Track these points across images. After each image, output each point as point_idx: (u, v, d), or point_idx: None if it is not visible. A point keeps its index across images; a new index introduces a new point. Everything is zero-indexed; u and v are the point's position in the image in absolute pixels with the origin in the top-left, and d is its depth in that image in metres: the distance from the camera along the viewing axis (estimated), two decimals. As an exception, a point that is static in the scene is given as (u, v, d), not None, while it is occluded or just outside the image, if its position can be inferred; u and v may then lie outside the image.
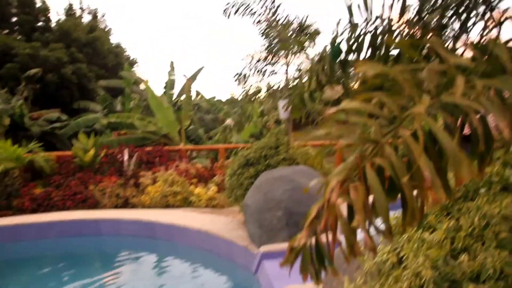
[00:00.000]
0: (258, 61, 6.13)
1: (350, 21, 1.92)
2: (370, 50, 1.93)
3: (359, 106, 1.13)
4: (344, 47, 2.03)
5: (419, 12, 1.71)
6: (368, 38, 1.94)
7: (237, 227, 5.99)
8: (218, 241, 5.59)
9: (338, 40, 2.01)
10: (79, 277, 5.29)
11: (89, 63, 23.80)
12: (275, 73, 6.30)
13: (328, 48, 2.04)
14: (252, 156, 5.94)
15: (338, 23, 2.03)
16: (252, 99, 6.30)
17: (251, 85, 6.24)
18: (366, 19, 1.88)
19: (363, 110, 1.13)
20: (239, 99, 6.37)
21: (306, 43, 5.87)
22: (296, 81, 5.77)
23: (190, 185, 8.68)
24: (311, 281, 3.38)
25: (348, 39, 2.00)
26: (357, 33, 1.96)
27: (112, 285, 5.10)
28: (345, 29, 1.99)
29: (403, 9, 1.77)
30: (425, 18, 1.72)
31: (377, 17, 1.84)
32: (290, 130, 6.22)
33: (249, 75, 6.41)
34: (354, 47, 1.99)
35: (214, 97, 19.45)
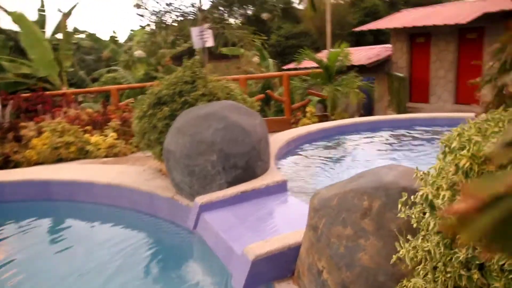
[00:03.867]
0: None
1: None
2: None
3: None
4: None
5: None
6: None
7: (153, 176, 5.20)
8: (135, 195, 4.78)
9: None
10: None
11: None
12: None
13: None
14: (164, 93, 5.06)
15: None
16: (162, 26, 5.30)
17: (160, 10, 5.21)
18: None
19: None
20: (145, 27, 5.30)
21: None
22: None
23: (84, 133, 7.53)
24: (274, 234, 2.81)
25: None
26: None
27: (7, 262, 4.08)
28: None
29: None
30: None
31: None
32: (206, 61, 5.40)
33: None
34: None
35: (95, 35, 17.32)
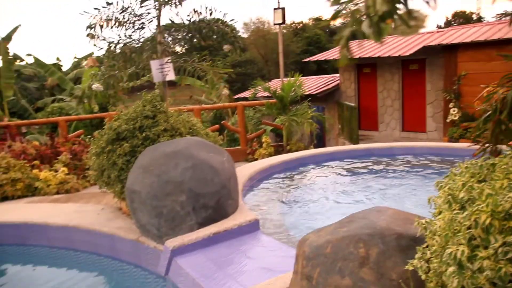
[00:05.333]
0: (124, 10, 4.96)
1: None
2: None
3: None
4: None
5: None
6: None
7: (113, 216, 4.93)
8: (95, 237, 4.49)
9: None
10: None
11: None
12: (143, 27, 5.21)
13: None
14: (124, 129, 4.86)
15: None
16: (121, 56, 5.14)
17: (120, 39, 5.06)
18: None
19: None
20: (102, 55, 5.14)
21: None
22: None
23: (32, 169, 7.09)
24: (253, 279, 2.70)
25: None
26: None
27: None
28: None
29: None
30: None
31: None
32: (166, 95, 5.27)
33: (105, 27, 5.19)
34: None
35: (40, 60, 16.53)
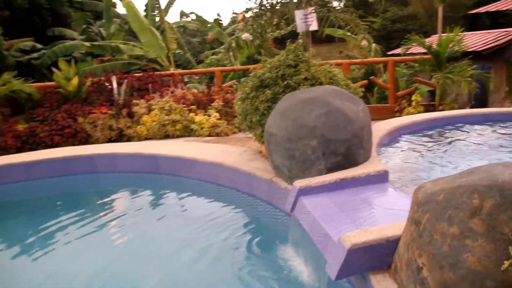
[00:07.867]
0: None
1: None
2: None
3: None
4: None
5: None
6: None
7: (253, 157, 5.32)
8: (236, 174, 4.94)
9: None
10: (78, 219, 4.70)
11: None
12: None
13: None
14: (267, 76, 5.11)
15: None
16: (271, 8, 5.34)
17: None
18: None
19: None
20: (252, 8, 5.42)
21: None
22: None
23: (189, 112, 7.90)
24: (373, 225, 2.74)
25: None
26: None
27: (117, 225, 4.54)
28: None
29: None
30: None
31: None
32: (309, 45, 5.36)
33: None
34: None
35: (201, 17, 18.02)
